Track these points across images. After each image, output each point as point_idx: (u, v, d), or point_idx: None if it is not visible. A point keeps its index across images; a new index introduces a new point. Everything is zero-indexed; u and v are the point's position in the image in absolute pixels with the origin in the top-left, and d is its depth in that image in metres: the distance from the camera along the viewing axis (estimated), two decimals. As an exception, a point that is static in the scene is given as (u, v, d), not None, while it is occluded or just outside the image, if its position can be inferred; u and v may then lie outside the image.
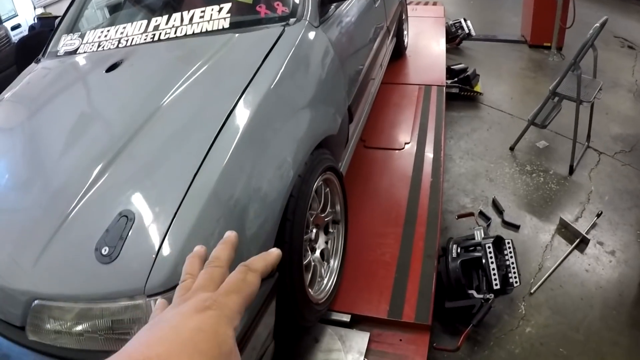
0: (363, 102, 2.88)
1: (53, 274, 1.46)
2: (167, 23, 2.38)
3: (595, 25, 3.50)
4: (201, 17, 2.32)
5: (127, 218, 1.43)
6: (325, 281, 2.16)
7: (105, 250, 1.37)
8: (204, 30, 2.28)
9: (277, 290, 1.69)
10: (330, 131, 2.15)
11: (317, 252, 2.11)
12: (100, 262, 1.37)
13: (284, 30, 2.13)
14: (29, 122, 2.17)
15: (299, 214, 1.79)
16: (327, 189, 2.14)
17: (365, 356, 2.05)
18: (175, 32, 2.32)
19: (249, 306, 0.61)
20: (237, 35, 2.18)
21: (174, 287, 1.27)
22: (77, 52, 2.55)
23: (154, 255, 1.34)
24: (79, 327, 1.40)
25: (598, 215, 3.30)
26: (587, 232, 3.14)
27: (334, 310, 2.19)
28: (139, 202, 1.49)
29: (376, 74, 3.31)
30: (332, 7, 2.48)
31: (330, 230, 2.24)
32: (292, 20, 2.22)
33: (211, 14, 2.31)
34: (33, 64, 2.73)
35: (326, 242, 2.20)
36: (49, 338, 1.44)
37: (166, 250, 1.35)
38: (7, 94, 2.52)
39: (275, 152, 1.74)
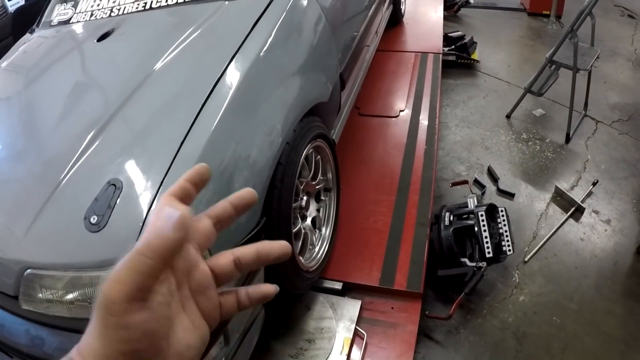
0: (357, 70, 2.84)
1: (44, 243, 1.48)
2: None
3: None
4: (193, -16, 2.28)
5: (115, 187, 1.43)
6: (316, 249, 2.16)
7: (94, 219, 1.38)
8: None
9: None
10: (321, 98, 2.12)
11: (308, 220, 2.10)
12: (89, 231, 1.37)
13: None
14: (23, 92, 2.17)
15: (287, 182, 1.78)
16: (318, 157, 2.12)
17: (357, 324, 2.05)
18: (166, 0, 2.29)
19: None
20: (227, 2, 2.14)
21: None
22: (71, 21, 2.53)
23: (140, 224, 1.35)
24: (70, 296, 1.41)
25: (594, 184, 3.28)
26: (583, 201, 3.12)
27: (326, 278, 2.19)
28: (127, 170, 1.49)
29: (371, 41, 3.26)
30: None
31: (322, 197, 2.23)
32: None
33: (203, -18, 2.27)
34: (27, 34, 2.72)
35: (317, 210, 2.19)
36: (42, 307, 1.45)
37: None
38: (3, 63, 2.53)
39: (263, 118, 1.72)
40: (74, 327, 1.43)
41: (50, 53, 2.40)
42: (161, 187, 1.41)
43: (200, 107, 1.59)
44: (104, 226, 1.36)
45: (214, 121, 1.57)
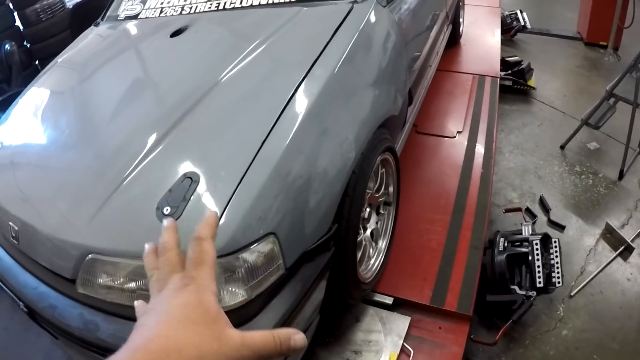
0: (421, 86, 2.85)
1: (110, 229, 1.47)
2: None
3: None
4: (269, -13, 2.31)
5: (192, 180, 1.43)
6: (372, 261, 2.17)
7: (167, 210, 1.37)
8: (270, 1, 2.26)
9: (330, 265, 1.69)
10: (393, 112, 2.14)
11: (368, 232, 2.12)
12: (161, 221, 1.36)
13: (352, 7, 2.10)
14: (87, 84, 2.21)
15: (359, 191, 1.79)
16: (383, 170, 2.14)
17: (404, 340, 2.05)
18: (240, 2, 2.31)
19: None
20: (305, 9, 2.16)
21: (232, 253, 1.33)
22: (139, 17, 2.55)
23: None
24: (132, 284, 1.41)
25: None
26: (633, 241, 3.06)
27: (378, 292, 2.19)
28: (204, 165, 1.50)
29: (433, 60, 3.26)
30: None
31: (381, 211, 2.24)
32: None
33: (278, -14, 2.29)
34: (92, 26, 2.75)
35: (376, 223, 2.20)
36: (100, 292, 1.46)
37: (229, 215, 1.36)
38: (65, 55, 2.57)
39: (339, 129, 1.73)
40: (131, 315, 1.44)
41: (116, 46, 2.44)
42: (240, 185, 1.41)
43: (280, 110, 1.60)
44: (177, 218, 1.34)
45: (293, 127, 1.57)
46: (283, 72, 1.85)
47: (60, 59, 2.57)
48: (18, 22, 4.75)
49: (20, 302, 1.72)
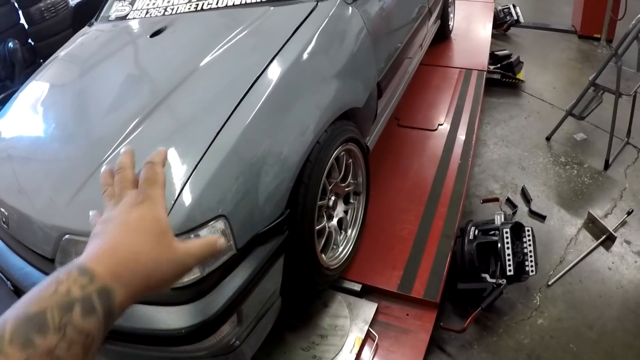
0: (397, 80, 2.90)
1: (84, 212, 1.55)
2: None
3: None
4: (242, -11, 2.45)
5: None
6: (340, 249, 2.24)
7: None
8: (243, 2, 2.40)
9: (285, 248, 1.78)
10: (355, 103, 2.22)
11: (334, 220, 2.19)
12: None
13: (316, 5, 2.21)
14: (79, 80, 2.37)
15: (314, 179, 1.88)
16: (350, 160, 2.21)
17: (370, 326, 2.11)
18: (217, 3, 2.46)
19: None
20: (272, 8, 2.28)
21: (188, 231, 1.45)
22: (127, 17, 2.73)
23: (172, 201, 1.47)
24: None
25: (629, 213, 3.20)
26: (615, 230, 3.05)
27: (346, 279, 2.26)
28: (168, 153, 1.59)
29: (414, 54, 3.31)
30: None
31: (351, 200, 2.32)
32: None
33: (252, -13, 2.43)
34: (86, 26, 2.94)
35: (345, 212, 2.27)
36: None
37: (184, 197, 1.49)
38: (62, 52, 2.75)
39: (297, 117, 1.84)
40: None
41: (106, 45, 2.60)
42: (194, 171, 1.53)
43: (238, 101, 1.72)
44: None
45: (249, 115, 1.70)
46: (247, 64, 1.95)
47: (56, 56, 2.75)
48: (22, 20, 4.92)
49: (8, 282, 1.88)
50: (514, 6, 5.77)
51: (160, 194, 0.76)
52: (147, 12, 2.66)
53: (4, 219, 1.90)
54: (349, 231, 2.30)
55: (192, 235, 1.46)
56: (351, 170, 2.25)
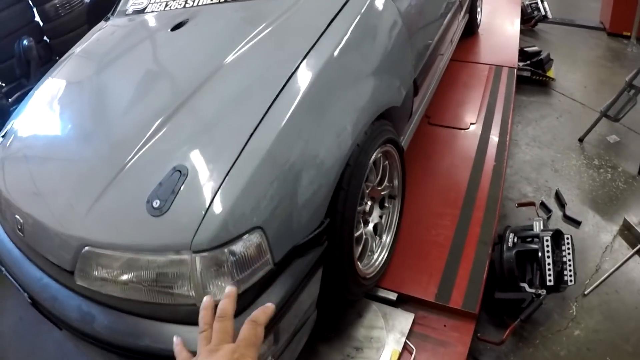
0: (430, 77, 2.78)
1: (104, 222, 1.50)
2: None
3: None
4: (270, -23, 2.29)
5: (181, 173, 1.44)
6: (375, 256, 2.12)
7: (156, 203, 1.39)
8: None
9: (324, 259, 1.66)
10: (393, 102, 2.08)
11: (370, 226, 2.07)
12: (151, 215, 1.38)
13: None
14: (96, 77, 2.25)
15: (354, 184, 1.75)
16: (386, 162, 2.09)
17: (407, 337, 2.00)
18: None
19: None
20: None
21: (220, 246, 1.33)
22: (145, 11, 2.60)
23: (203, 212, 1.35)
24: (125, 277, 1.42)
25: None
26: None
27: (381, 287, 2.15)
28: (193, 158, 1.50)
29: (445, 50, 3.18)
30: None
31: (386, 204, 2.20)
32: None
33: (281, -25, 2.28)
34: (102, 21, 2.81)
35: (380, 217, 2.15)
36: (96, 284, 1.48)
37: (216, 207, 1.36)
38: (77, 48, 2.62)
39: (334, 119, 1.70)
40: (126, 308, 1.46)
41: (124, 40, 2.46)
42: (227, 178, 1.40)
43: (271, 101, 1.59)
44: (166, 211, 1.37)
45: (284, 117, 1.56)
46: (278, 60, 1.81)
47: (71, 53, 2.62)
48: (37, 18, 4.87)
49: (25, 293, 1.75)
50: (542, 1, 5.62)
51: (255, 356, 0.85)
52: (166, 5, 2.51)
53: (19, 226, 1.77)
54: (384, 237, 2.18)
55: (225, 250, 1.34)
56: (387, 173, 2.12)
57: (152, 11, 2.55)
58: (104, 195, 1.53)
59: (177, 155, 1.51)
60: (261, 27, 1.96)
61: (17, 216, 1.77)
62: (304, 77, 1.69)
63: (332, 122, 1.68)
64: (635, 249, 2.90)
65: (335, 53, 1.81)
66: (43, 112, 2.23)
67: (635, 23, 5.40)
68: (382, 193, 2.11)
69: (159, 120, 1.67)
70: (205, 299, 0.99)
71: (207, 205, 1.35)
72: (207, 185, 1.41)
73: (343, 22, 1.92)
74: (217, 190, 1.38)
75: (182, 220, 1.35)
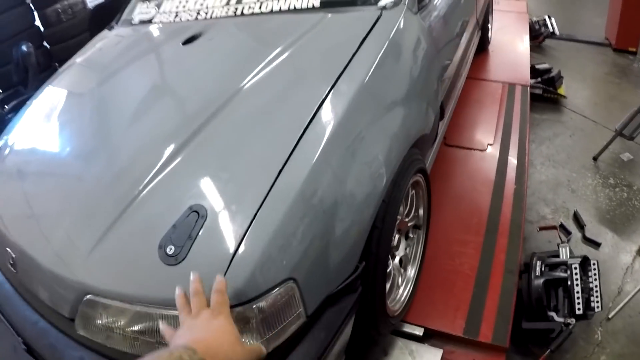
0: (452, 98, 2.70)
1: (109, 267, 1.33)
2: None
3: None
4: (290, -9, 2.17)
5: (199, 214, 1.28)
6: (400, 290, 2.01)
7: (170, 250, 1.23)
8: (291, 7, 2.13)
9: (358, 305, 1.53)
10: (425, 130, 1.98)
11: (397, 259, 1.97)
12: (164, 263, 1.23)
13: (381, 14, 1.95)
14: (99, 91, 2.07)
15: (388, 222, 1.62)
16: (413, 192, 1.98)
17: (436, 374, 1.93)
18: (259, 8, 2.18)
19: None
20: (329, 15, 2.02)
21: (248, 301, 1.18)
22: (153, 21, 2.45)
23: (227, 263, 1.19)
24: (135, 330, 1.28)
25: None
26: None
27: (407, 322, 2.05)
28: (213, 196, 1.35)
29: (464, 69, 3.12)
30: None
31: (410, 235, 2.08)
32: (389, 3, 2.02)
33: (301, -10, 2.15)
34: (105, 30, 2.64)
35: (405, 249, 2.04)
36: (100, 336, 1.33)
37: (242, 257, 1.21)
38: (79, 58, 2.46)
39: (368, 152, 1.56)
40: None
41: (130, 52, 2.32)
42: (253, 222, 1.24)
43: (300, 133, 1.43)
44: (182, 260, 1.21)
45: (316, 151, 1.40)
46: (305, 85, 1.69)
47: (72, 63, 2.46)
48: (38, 22, 4.67)
49: (20, 338, 1.58)
50: (550, 17, 5.60)
51: (229, 313, 1.03)
52: (176, 16, 2.36)
53: (11, 261, 1.56)
54: (409, 269, 2.07)
55: (253, 306, 1.19)
56: (414, 203, 2.01)
57: (161, 22, 2.41)
58: (109, 234, 1.35)
59: (193, 193, 1.36)
60: (282, 47, 1.83)
61: (7, 249, 1.57)
62: (334, 106, 1.54)
63: (365, 155, 1.54)
64: None
65: (367, 78, 1.66)
66: (41, 125, 2.05)
67: (641, 40, 5.40)
68: (409, 224, 2.01)
69: (172, 148, 1.50)
70: (176, 290, 1.09)
71: (231, 255, 1.20)
72: (231, 231, 1.25)
73: (374, 44, 1.80)
74: (243, 236, 1.22)
75: (203, 271, 1.15)
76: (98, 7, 4.86)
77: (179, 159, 1.48)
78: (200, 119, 1.58)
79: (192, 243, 1.23)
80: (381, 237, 1.59)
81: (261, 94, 1.67)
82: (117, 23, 2.65)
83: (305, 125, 1.46)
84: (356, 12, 2.02)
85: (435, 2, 2.35)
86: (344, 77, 1.63)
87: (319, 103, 1.53)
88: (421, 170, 1.94)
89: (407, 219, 1.95)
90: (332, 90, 1.58)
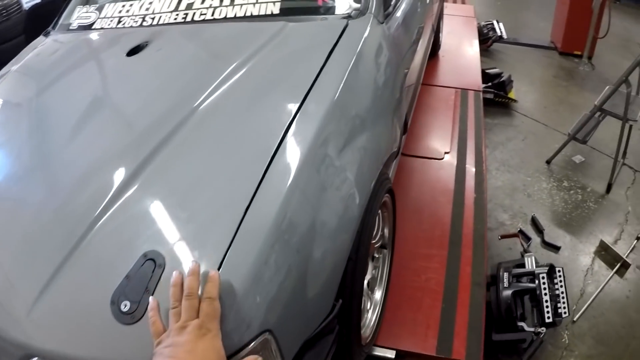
0: (412, 109, 2.63)
1: (55, 325, 1.14)
2: (203, 2, 2.06)
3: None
4: (246, -4, 2.01)
5: (155, 263, 1.10)
6: (369, 315, 1.87)
7: (125, 306, 1.06)
8: (248, 14, 1.97)
9: (335, 343, 1.41)
10: (393, 147, 1.88)
11: (365, 283, 1.84)
12: (119, 321, 1.06)
13: (347, 24, 1.83)
14: (35, 110, 1.82)
15: (362, 252, 1.48)
16: (379, 212, 1.81)
17: (410, 397, 1.86)
18: (212, 14, 2.00)
19: None
20: (290, 24, 1.87)
21: None
22: (93, 27, 2.22)
23: None
24: None
25: (638, 238, 3.15)
26: (627, 256, 2.99)
27: (377, 345, 1.95)
28: (171, 240, 1.16)
29: (421, 77, 3.06)
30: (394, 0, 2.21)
31: (376, 255, 1.94)
32: (354, 12, 1.91)
33: (258, -5, 2.00)
34: (41, 36, 2.37)
35: (373, 271, 1.92)
36: None
37: None
38: (13, 67, 2.17)
39: (341, 177, 1.42)
40: None
41: (68, 62, 2.06)
42: (221, 269, 1.07)
43: (268, 162, 1.27)
44: (141, 317, 1.04)
45: (286, 183, 1.24)
46: (270, 105, 1.51)
47: (5, 73, 2.16)
48: None
49: None
50: (498, 22, 5.69)
51: (218, 327, 0.97)
52: (119, 21, 2.14)
53: None
54: (376, 292, 1.95)
55: None
56: (381, 224, 1.88)
57: (102, 28, 2.18)
58: (52, 285, 1.15)
59: (147, 236, 1.17)
60: (241, 60, 1.66)
61: None
62: (304, 129, 1.38)
63: (339, 184, 1.40)
64: (614, 270, 2.93)
65: (336, 97, 1.51)
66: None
67: (587, 43, 5.54)
68: (375, 246, 1.88)
69: (120, 182, 1.30)
70: (174, 274, 1.02)
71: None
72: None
73: (342, 57, 1.66)
74: None
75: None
76: (34, 9, 4.52)
77: (127, 195, 1.28)
78: (150, 146, 1.39)
79: (150, 297, 1.06)
80: (356, 269, 1.46)
81: (220, 115, 1.49)
82: (54, 28, 2.39)
83: (272, 153, 1.30)
84: (320, 22, 1.91)
85: (398, 10, 2.27)
86: (312, 95, 1.49)
87: (287, 125, 1.38)
88: (389, 191, 1.83)
89: (374, 241, 1.79)
90: (300, 111, 1.43)
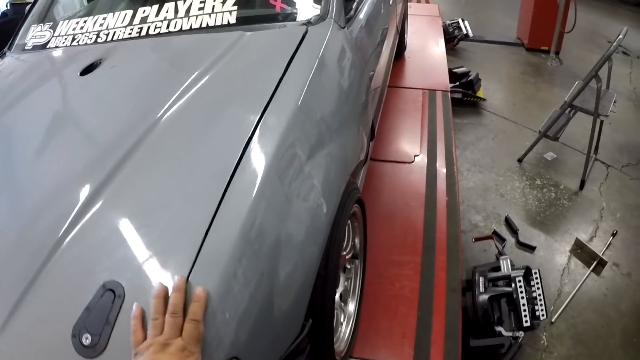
0: (379, 113, 2.56)
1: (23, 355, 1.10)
2: (157, 15, 1.99)
3: (619, 37, 3.32)
4: (200, 8, 1.94)
5: (114, 293, 1.05)
6: (343, 328, 1.79)
7: (87, 339, 1.01)
8: (204, 25, 1.90)
9: None
10: (361, 156, 1.81)
11: (337, 296, 1.73)
12: (82, 355, 1.01)
13: (307, 30, 1.76)
14: None
15: (331, 267, 1.40)
16: (349, 222, 1.73)
17: (389, 410, 1.78)
18: (167, 27, 1.94)
19: None
20: (248, 34, 1.80)
21: None
22: (48, 46, 2.16)
23: None
24: None
25: (613, 235, 3.15)
26: (603, 253, 2.98)
27: (353, 357, 1.89)
28: (130, 268, 1.10)
29: (387, 80, 3.01)
30: (355, 3, 2.15)
31: (348, 266, 1.86)
32: (314, 18, 1.85)
33: (213, 5, 1.93)
34: None
35: (345, 282, 1.84)
36: None
37: None
38: None
39: (307, 194, 1.35)
40: None
41: (21, 85, 1.97)
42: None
43: (229, 177, 1.20)
44: (103, 350, 1.00)
45: (249, 199, 1.17)
46: (229, 119, 1.45)
47: None
48: None
49: None
50: (463, 20, 5.70)
51: (199, 351, 0.94)
52: (73, 39, 2.08)
53: None
54: (350, 304, 1.86)
55: None
56: (351, 234, 1.80)
57: (57, 46, 2.11)
58: (12, 320, 1.11)
59: (105, 264, 1.12)
60: (198, 73, 1.59)
61: None
62: (267, 139, 1.32)
63: (304, 199, 1.33)
64: (591, 268, 2.91)
65: (297, 107, 1.44)
66: None
67: (554, 38, 5.57)
68: (347, 257, 1.79)
69: (79, 205, 1.24)
70: (158, 286, 0.99)
71: None
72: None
73: (302, 66, 1.59)
74: None
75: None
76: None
77: (88, 216, 1.22)
78: (106, 169, 1.32)
79: (112, 329, 1.01)
80: (326, 285, 1.39)
81: (179, 132, 1.42)
82: (9, 49, 2.31)
83: (232, 171, 1.22)
84: (278, 30, 1.85)
85: (360, 13, 2.21)
86: (273, 105, 1.42)
87: (246, 141, 1.30)
88: (359, 201, 1.76)
89: (344, 252, 1.71)
90: (260, 124, 1.36)
